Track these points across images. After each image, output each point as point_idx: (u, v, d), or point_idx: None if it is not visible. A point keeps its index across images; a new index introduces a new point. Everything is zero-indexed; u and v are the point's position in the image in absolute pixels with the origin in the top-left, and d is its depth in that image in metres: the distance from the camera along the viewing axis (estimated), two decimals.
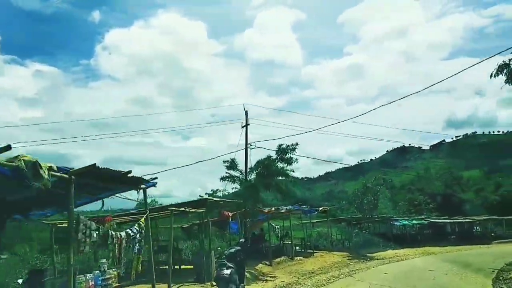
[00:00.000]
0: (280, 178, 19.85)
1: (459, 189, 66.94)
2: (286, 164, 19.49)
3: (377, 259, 25.01)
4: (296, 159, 19.64)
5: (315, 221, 33.89)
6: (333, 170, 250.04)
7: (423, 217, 39.96)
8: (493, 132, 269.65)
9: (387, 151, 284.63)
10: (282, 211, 21.94)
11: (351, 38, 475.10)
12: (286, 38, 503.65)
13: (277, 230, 26.12)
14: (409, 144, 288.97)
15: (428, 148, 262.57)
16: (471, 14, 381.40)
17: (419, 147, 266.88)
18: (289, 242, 24.58)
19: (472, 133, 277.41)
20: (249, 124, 25.51)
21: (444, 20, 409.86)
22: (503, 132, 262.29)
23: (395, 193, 71.44)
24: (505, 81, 11.03)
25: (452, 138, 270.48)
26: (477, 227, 42.34)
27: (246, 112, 25.70)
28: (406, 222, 34.99)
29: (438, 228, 39.21)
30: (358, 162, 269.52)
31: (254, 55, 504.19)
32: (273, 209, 21.06)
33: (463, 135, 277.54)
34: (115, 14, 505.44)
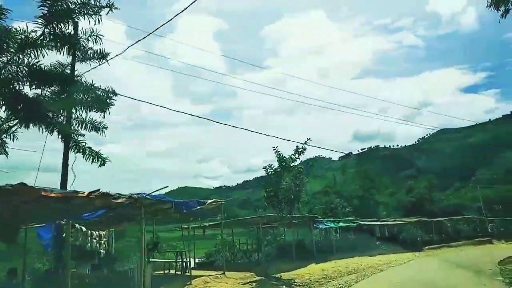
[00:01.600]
0: None
1: (376, 191, 62.28)
2: None
3: (296, 285, 14.64)
4: None
5: (210, 224, 22.62)
6: (251, 178, 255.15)
7: (351, 218, 31.50)
8: (393, 146, 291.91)
9: (301, 160, 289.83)
10: (119, 200, 10.11)
11: (272, 52, 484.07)
12: (209, 46, 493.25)
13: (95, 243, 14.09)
14: (320, 155, 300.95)
15: (338, 159, 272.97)
16: (379, 38, 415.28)
17: (329, 158, 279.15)
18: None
19: (376, 146, 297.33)
20: None
21: (356, 42, 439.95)
22: (401, 145, 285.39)
23: (310, 198, 65.43)
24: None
25: (358, 150, 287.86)
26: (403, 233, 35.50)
27: None
28: (332, 225, 25.81)
29: (366, 233, 31.02)
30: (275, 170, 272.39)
31: (176, 61, 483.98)
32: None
33: (368, 148, 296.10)
34: None
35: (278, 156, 16.56)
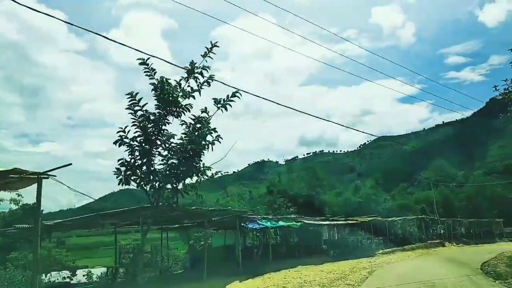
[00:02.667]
0: None
1: (322, 190, 57.01)
2: None
3: None
4: None
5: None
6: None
7: (294, 216, 24.77)
8: (336, 151, 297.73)
9: (248, 164, 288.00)
10: None
11: (221, 55, 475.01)
12: (155, 44, 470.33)
13: None
14: (268, 159, 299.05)
15: (284, 162, 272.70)
16: (324, 47, 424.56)
17: (276, 161, 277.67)
18: None
19: (320, 151, 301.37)
20: None
21: (303, 49, 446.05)
22: (343, 151, 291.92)
23: (254, 202, 58.91)
24: None
25: (304, 155, 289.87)
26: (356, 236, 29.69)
27: None
28: (269, 224, 18.73)
29: (311, 234, 24.52)
30: (221, 174, 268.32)
31: (120, 59, 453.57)
32: None
33: (312, 153, 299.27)
34: None
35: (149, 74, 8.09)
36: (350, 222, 26.43)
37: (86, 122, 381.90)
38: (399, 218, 33.21)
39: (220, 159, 9.23)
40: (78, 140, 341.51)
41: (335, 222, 24.86)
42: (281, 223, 20.26)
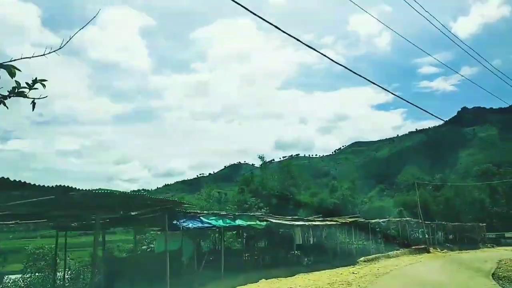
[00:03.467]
0: None
1: (297, 190, 52.27)
2: None
3: None
4: None
5: None
6: (172, 182, 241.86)
7: (259, 214, 19.48)
8: (312, 155, 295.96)
9: (225, 166, 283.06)
10: None
11: (200, 55, 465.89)
12: (133, 42, 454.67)
13: None
14: (244, 161, 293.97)
15: (260, 165, 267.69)
16: (303, 52, 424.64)
17: (252, 164, 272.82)
18: None
19: (296, 154, 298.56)
20: None
21: (282, 53, 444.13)
22: (319, 155, 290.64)
23: (225, 203, 53.53)
24: None
25: (280, 158, 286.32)
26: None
27: None
28: (220, 223, 13.38)
29: (282, 238, 19.31)
30: (197, 176, 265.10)
31: (96, 55, 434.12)
32: None
33: (289, 156, 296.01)
34: None
35: None
36: (328, 223, 21.48)
37: (58, 120, 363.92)
38: (383, 219, 28.65)
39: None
40: (49, 138, 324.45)
41: (310, 223, 19.86)
42: (239, 222, 14.92)
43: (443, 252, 34.93)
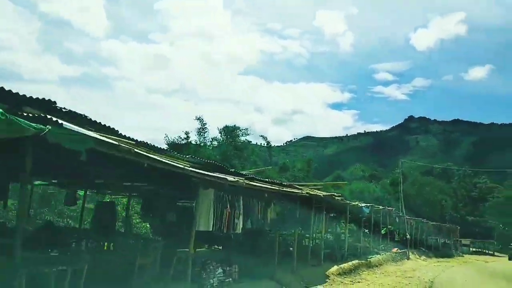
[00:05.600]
0: None
1: (240, 165, 40.02)
2: None
3: None
4: None
5: None
6: None
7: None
8: (263, 144, 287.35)
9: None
10: None
11: (161, 27, 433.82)
12: (91, 1, 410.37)
13: None
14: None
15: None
16: (267, 40, 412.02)
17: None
18: None
19: (249, 141, 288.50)
20: None
21: (247, 38, 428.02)
22: (270, 145, 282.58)
23: None
24: None
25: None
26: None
27: None
28: None
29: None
30: None
31: (48, 9, 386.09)
32: None
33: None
34: None
35: None
36: (277, 188, 9.57)
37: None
38: (366, 204, 17.59)
39: None
40: None
41: (245, 180, 7.94)
42: None
43: (423, 260, 25.09)
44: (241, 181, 7.72)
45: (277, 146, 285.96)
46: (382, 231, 21.73)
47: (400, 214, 24.00)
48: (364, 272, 13.51)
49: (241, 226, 8.43)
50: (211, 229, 7.34)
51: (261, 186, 8.92)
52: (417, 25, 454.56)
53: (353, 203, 15.85)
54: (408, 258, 22.93)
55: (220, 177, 7.21)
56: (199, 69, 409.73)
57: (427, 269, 17.87)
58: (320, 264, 12.53)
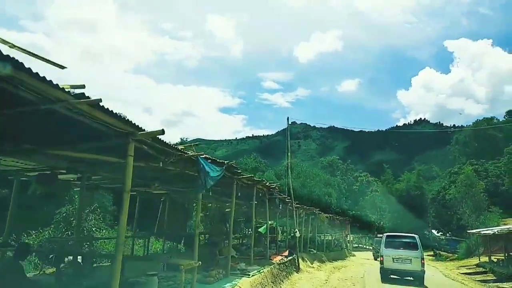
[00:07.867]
0: None
1: None
2: None
3: None
4: None
5: None
6: None
7: None
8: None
9: None
10: None
11: (34, 15, 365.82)
12: None
13: None
14: None
15: None
16: (160, 40, 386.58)
17: None
18: None
19: None
20: None
21: (136, 35, 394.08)
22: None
23: None
24: None
25: None
26: None
27: None
28: None
29: None
30: None
31: None
32: None
33: None
34: None
35: None
36: None
37: None
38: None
39: None
40: None
41: None
42: None
43: (317, 269, 17.34)
44: None
45: None
46: (260, 229, 13.38)
47: (288, 199, 15.89)
48: None
49: None
50: None
51: None
52: (300, 38, 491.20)
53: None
54: (298, 269, 14.76)
55: None
56: (80, 63, 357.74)
57: None
58: None
